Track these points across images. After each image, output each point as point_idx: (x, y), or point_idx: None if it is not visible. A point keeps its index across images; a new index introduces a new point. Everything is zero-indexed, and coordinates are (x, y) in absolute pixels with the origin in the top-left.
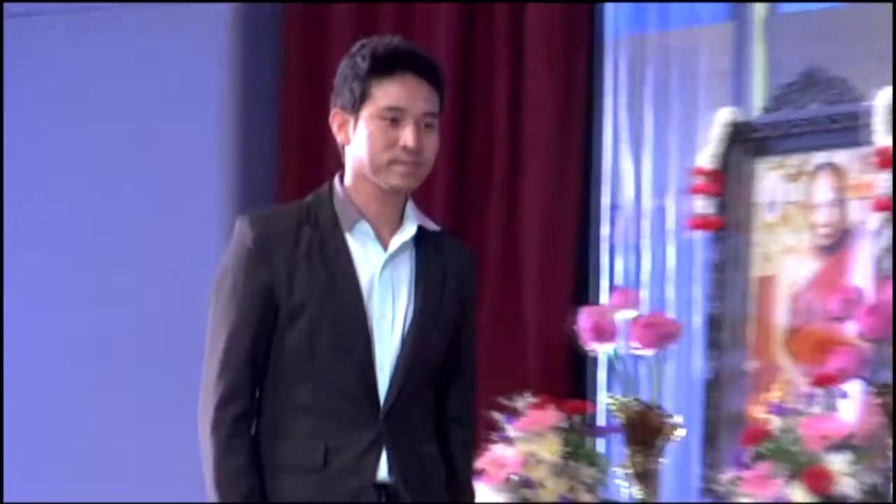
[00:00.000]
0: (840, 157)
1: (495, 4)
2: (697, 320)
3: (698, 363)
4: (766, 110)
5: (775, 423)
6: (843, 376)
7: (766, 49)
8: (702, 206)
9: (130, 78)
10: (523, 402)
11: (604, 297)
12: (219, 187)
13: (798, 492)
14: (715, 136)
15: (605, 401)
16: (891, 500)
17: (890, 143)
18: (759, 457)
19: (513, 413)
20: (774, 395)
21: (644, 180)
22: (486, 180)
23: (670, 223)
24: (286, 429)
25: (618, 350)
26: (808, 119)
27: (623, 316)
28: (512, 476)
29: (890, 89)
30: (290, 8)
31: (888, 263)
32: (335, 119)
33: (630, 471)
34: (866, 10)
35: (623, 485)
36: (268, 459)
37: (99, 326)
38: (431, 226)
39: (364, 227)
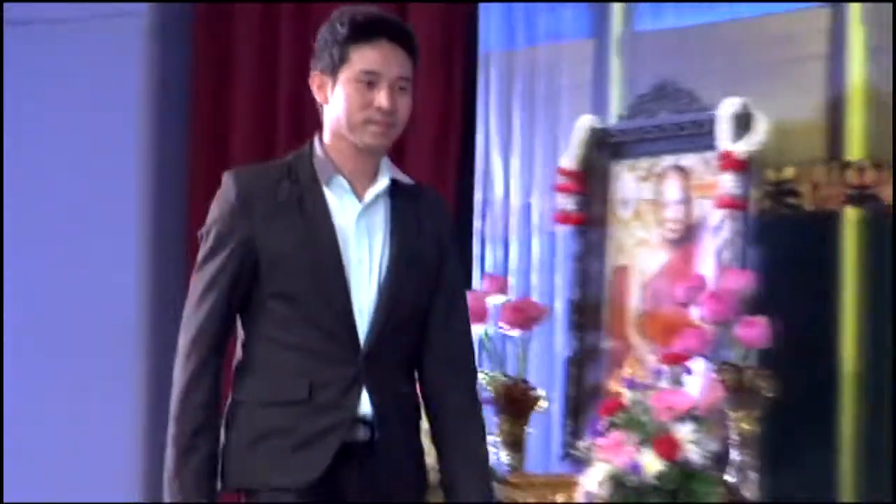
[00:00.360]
0: (687, 160)
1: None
2: (560, 305)
3: (561, 343)
4: (622, 118)
5: (628, 396)
6: (688, 355)
7: (622, 63)
8: (565, 203)
9: (45, 81)
10: None
11: (477, 284)
12: (133, 185)
13: (648, 457)
14: (576, 141)
15: (481, 376)
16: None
17: (732, 147)
18: (613, 426)
19: None
20: (628, 371)
21: (513, 180)
22: None
23: (536, 218)
24: (271, 366)
25: (489, 331)
26: (659, 126)
27: (494, 300)
28: None
29: (734, 100)
30: (200, 8)
31: (729, 255)
32: (314, 81)
33: (500, 438)
34: (712, 29)
35: (494, 450)
36: (252, 395)
37: (15, 324)
38: (405, 179)
39: (340, 181)
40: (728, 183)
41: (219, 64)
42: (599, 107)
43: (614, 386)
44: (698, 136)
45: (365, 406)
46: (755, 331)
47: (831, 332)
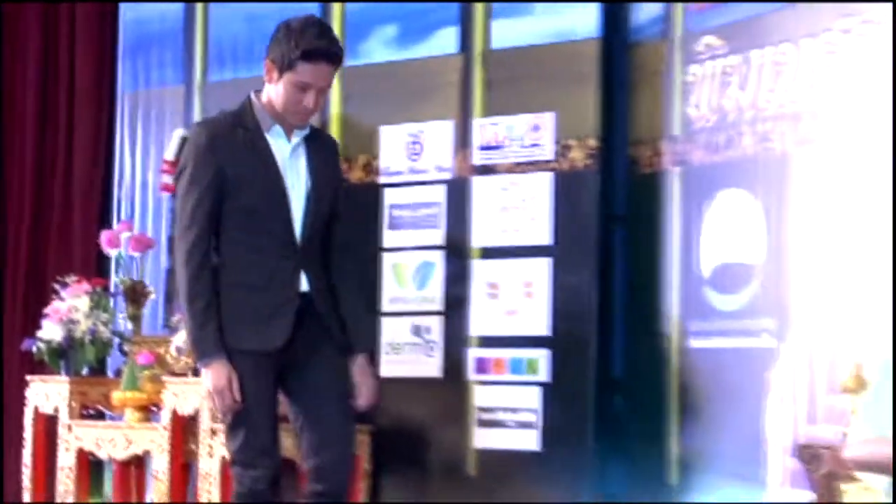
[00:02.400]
0: None
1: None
2: (164, 238)
3: (163, 260)
4: None
5: None
6: None
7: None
8: (167, 179)
9: None
10: (70, 279)
11: (114, 226)
12: None
13: None
14: (173, 143)
15: (115, 279)
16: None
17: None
18: None
19: (65, 285)
20: None
21: (138, 166)
22: (64, 174)
23: (151, 189)
24: (241, 261)
25: (122, 252)
26: None
27: (125, 234)
28: (62, 317)
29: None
30: None
31: None
32: (266, 65)
33: (127, 314)
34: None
35: (122, 321)
36: (229, 279)
37: None
38: (313, 126)
39: (277, 129)
40: None
41: None
42: (187, 120)
43: None
44: None
45: (304, 285)
46: None
47: None
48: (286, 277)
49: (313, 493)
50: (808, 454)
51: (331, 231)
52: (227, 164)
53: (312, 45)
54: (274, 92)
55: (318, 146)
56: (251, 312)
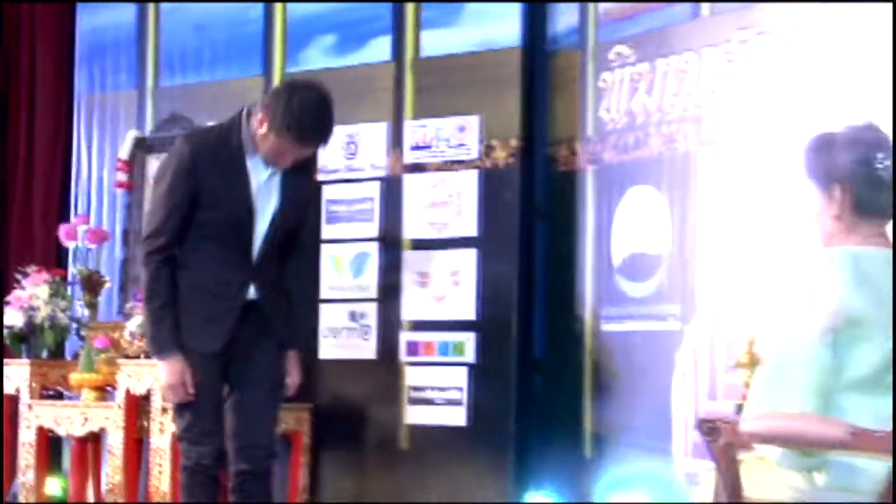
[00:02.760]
0: None
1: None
2: (118, 231)
3: (118, 251)
4: (152, 131)
5: None
6: None
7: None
8: (122, 177)
9: None
10: (31, 269)
11: (72, 219)
12: None
13: None
14: (127, 143)
15: (73, 269)
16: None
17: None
18: None
19: (26, 274)
20: None
21: (94, 164)
22: (25, 172)
23: (106, 185)
24: (198, 267)
25: (79, 244)
26: (173, 136)
27: (82, 228)
28: (24, 305)
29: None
30: None
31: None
32: (261, 110)
33: (84, 301)
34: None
35: (79, 308)
36: (186, 282)
37: None
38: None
39: (257, 157)
40: None
41: None
42: (140, 122)
43: None
44: None
45: (252, 294)
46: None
47: None
48: (234, 288)
49: (238, 472)
50: (708, 427)
51: (296, 235)
52: (203, 179)
53: (305, 131)
54: (262, 132)
55: (299, 174)
56: (199, 316)
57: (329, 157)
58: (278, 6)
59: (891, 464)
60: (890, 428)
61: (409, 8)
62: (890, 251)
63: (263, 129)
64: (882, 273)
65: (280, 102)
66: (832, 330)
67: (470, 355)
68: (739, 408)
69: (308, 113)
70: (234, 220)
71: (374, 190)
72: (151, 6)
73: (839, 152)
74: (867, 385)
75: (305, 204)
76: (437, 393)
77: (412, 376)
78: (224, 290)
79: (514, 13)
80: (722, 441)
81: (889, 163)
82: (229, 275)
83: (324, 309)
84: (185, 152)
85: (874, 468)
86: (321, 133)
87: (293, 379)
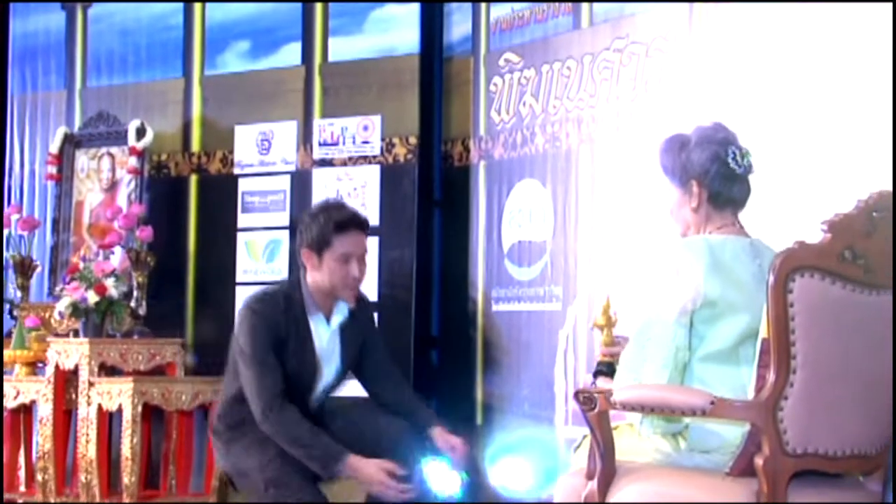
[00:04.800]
0: (113, 150)
1: None
2: (49, 220)
3: (48, 238)
4: (80, 128)
5: (82, 264)
6: (111, 245)
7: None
8: (52, 169)
9: None
10: None
11: (6, 209)
12: None
13: (91, 293)
14: (57, 138)
15: (6, 254)
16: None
17: (135, 143)
18: (73, 279)
19: None
20: (83, 251)
21: (26, 160)
22: None
23: (38, 178)
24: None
25: (13, 231)
26: (100, 133)
27: (15, 216)
28: None
29: (136, 121)
30: None
31: (133, 196)
32: (304, 254)
33: (17, 284)
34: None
35: (12, 290)
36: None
37: None
38: (351, 305)
39: (319, 315)
40: (133, 161)
41: None
42: (69, 120)
43: (75, 258)
44: (119, 137)
45: None
46: (144, 233)
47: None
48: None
49: None
50: (584, 397)
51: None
52: (277, 337)
53: (342, 217)
54: (319, 276)
55: (354, 322)
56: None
57: (244, 152)
58: (197, 13)
59: (745, 429)
60: (745, 395)
61: (318, 16)
62: (742, 238)
63: (315, 264)
64: (735, 258)
65: (307, 225)
66: (688, 312)
67: None
68: (596, 375)
69: (332, 206)
70: (301, 374)
71: (286, 183)
72: (80, 13)
73: (693, 152)
74: (723, 357)
75: (365, 336)
76: None
77: None
78: None
79: (414, 22)
80: (597, 410)
81: (740, 158)
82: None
83: (239, 291)
84: (260, 318)
85: (727, 432)
86: (354, 213)
87: (459, 446)
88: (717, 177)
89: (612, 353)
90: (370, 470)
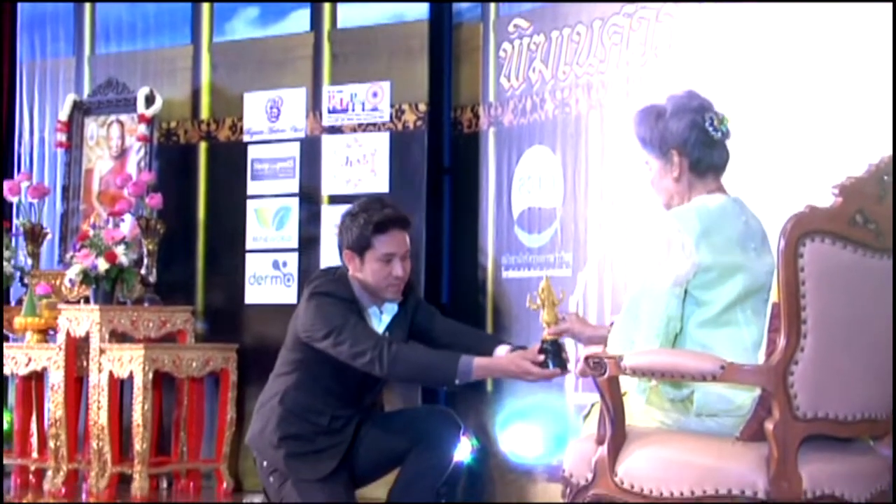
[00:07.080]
0: (122, 117)
1: None
2: (58, 188)
3: (59, 205)
4: (90, 94)
5: (92, 232)
6: (121, 212)
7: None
8: (61, 137)
9: None
10: None
11: (16, 176)
12: None
13: (101, 261)
14: (66, 106)
15: (16, 221)
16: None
17: (145, 111)
18: (83, 246)
19: None
20: (91, 220)
21: (35, 128)
22: None
23: (47, 145)
24: (312, 398)
25: (21, 199)
26: (108, 100)
27: (24, 184)
28: None
29: (146, 88)
30: None
31: (142, 164)
32: (347, 255)
33: (27, 251)
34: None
35: (22, 258)
36: (297, 409)
37: None
38: (398, 299)
39: (374, 308)
40: (142, 129)
41: None
42: (78, 87)
43: (85, 226)
44: (128, 104)
45: (353, 431)
46: (154, 201)
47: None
48: (343, 423)
49: None
50: (594, 362)
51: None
52: (355, 312)
53: (383, 217)
54: (361, 276)
55: (403, 313)
56: (308, 444)
57: (253, 119)
58: None
59: (756, 393)
60: (749, 357)
61: None
62: (728, 198)
63: (357, 265)
64: (723, 218)
65: (347, 227)
66: (682, 283)
67: None
68: (551, 344)
69: (372, 205)
70: (355, 369)
71: (295, 150)
72: None
73: (670, 121)
74: (724, 320)
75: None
76: None
77: None
78: (334, 423)
79: None
80: (606, 375)
81: (717, 123)
82: (340, 409)
83: (249, 258)
84: (345, 293)
85: (734, 395)
86: (394, 210)
87: (530, 363)
88: (696, 144)
89: (556, 331)
90: (502, 364)
